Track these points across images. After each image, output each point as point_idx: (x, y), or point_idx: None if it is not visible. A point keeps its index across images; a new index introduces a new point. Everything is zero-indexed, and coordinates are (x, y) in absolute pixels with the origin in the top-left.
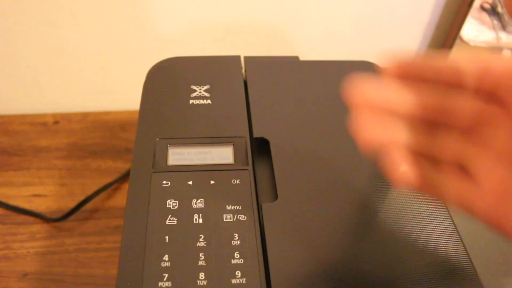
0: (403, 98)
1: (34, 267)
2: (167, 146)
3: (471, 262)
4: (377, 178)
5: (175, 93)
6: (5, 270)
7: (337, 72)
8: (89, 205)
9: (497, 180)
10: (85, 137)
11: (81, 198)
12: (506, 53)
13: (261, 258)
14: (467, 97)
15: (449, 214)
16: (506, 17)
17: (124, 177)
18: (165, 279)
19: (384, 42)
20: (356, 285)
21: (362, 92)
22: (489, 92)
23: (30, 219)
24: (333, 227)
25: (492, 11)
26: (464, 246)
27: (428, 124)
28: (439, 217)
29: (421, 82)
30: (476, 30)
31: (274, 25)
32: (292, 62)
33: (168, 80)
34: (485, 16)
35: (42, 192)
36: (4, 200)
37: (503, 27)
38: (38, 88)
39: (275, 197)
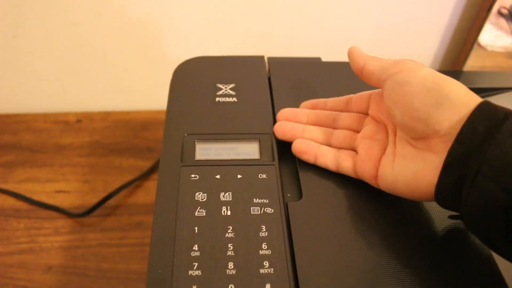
0: (309, 115)
1: (58, 261)
2: (195, 141)
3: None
4: None
5: (201, 91)
6: (30, 262)
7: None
8: (111, 202)
9: (365, 151)
10: (107, 136)
11: (104, 194)
12: None
13: (288, 249)
14: (349, 113)
15: None
16: None
17: (146, 175)
18: (195, 267)
19: (403, 45)
20: (380, 281)
21: (283, 112)
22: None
23: (54, 214)
24: (358, 225)
25: (510, 16)
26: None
27: (330, 127)
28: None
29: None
30: (493, 35)
31: (294, 30)
32: (314, 63)
33: (194, 78)
34: (502, 21)
35: (65, 188)
36: (29, 195)
37: None
38: (61, 87)
39: (300, 194)
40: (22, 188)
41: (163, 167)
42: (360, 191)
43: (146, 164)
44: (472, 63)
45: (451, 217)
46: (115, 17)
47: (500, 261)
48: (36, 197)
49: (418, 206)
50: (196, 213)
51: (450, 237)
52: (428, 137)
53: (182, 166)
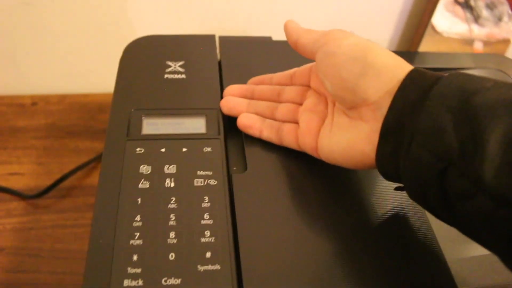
0: (255, 91)
1: (10, 242)
2: (142, 116)
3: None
4: None
5: (150, 68)
6: None
7: None
8: (66, 183)
9: (306, 123)
10: (63, 118)
11: (59, 176)
12: (477, 44)
13: (229, 219)
14: (293, 87)
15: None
16: (478, 10)
17: (101, 156)
18: (136, 237)
19: (359, 30)
20: (318, 253)
21: (229, 88)
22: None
23: (7, 196)
24: (299, 197)
25: (465, 4)
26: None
27: (276, 102)
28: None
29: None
30: (449, 22)
31: (250, 10)
32: (265, 42)
33: (144, 55)
34: (458, 9)
35: (19, 170)
36: None
37: (475, 20)
38: (16, 69)
39: (245, 167)
40: None
41: (109, 141)
42: (303, 164)
43: (102, 146)
44: (428, 48)
45: (396, 188)
46: None
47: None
48: None
49: (361, 178)
50: (139, 185)
51: (393, 207)
52: (358, 106)
53: (128, 140)
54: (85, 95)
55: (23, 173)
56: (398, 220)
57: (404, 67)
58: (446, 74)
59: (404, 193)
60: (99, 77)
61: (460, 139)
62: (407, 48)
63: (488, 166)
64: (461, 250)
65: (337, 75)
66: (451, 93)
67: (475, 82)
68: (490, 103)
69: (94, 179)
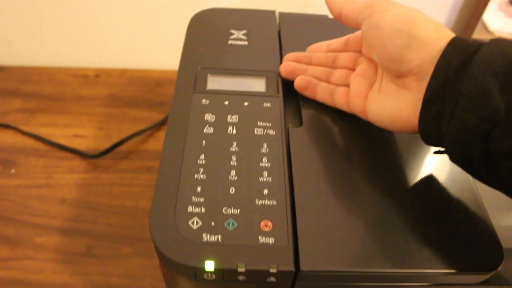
0: (312, 57)
1: (72, 195)
2: (207, 74)
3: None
4: None
5: (215, 34)
6: (46, 195)
7: None
8: (124, 147)
9: (355, 87)
10: (123, 90)
11: (117, 140)
12: None
13: (286, 163)
14: (347, 53)
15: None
16: None
17: (158, 125)
18: (200, 172)
19: None
20: (373, 209)
21: (289, 55)
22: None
23: (70, 155)
24: (348, 153)
25: None
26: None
27: (331, 68)
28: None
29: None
30: (502, 22)
31: None
32: (322, 19)
33: (209, 24)
34: None
35: (82, 133)
36: (48, 137)
37: None
38: (82, 44)
39: (301, 123)
40: (41, 131)
41: (177, 94)
42: (353, 124)
43: (159, 117)
44: None
45: (436, 152)
46: None
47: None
48: (54, 140)
49: (410, 141)
50: (204, 130)
51: (435, 170)
52: (403, 76)
53: (195, 93)
54: (144, 71)
55: (86, 136)
56: (442, 182)
57: (447, 37)
58: (487, 41)
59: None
60: (158, 55)
61: (506, 101)
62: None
63: None
64: (504, 218)
65: (382, 46)
66: (495, 58)
67: None
68: None
69: (149, 145)
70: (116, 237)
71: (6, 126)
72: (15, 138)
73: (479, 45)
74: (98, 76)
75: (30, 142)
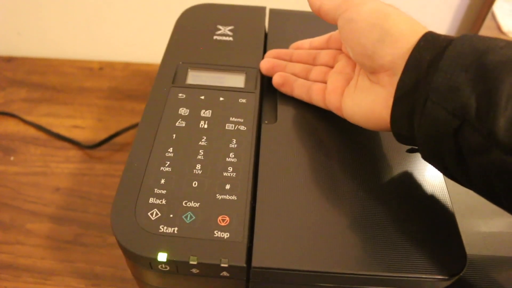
0: (293, 54)
1: (66, 184)
2: (188, 68)
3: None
4: None
5: (202, 29)
6: (41, 183)
7: None
8: (121, 139)
9: (332, 84)
10: (125, 83)
11: (114, 132)
12: None
13: (252, 160)
14: (327, 51)
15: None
16: None
17: None
18: (166, 165)
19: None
20: (335, 209)
21: (271, 51)
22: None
23: (68, 145)
24: (322, 151)
25: None
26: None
27: (312, 65)
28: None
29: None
30: None
31: None
32: (311, 16)
33: (197, 19)
34: None
35: (81, 124)
36: (48, 127)
37: None
38: (87, 37)
39: (276, 121)
40: (43, 121)
41: (155, 87)
42: (329, 122)
43: None
44: None
45: (408, 151)
46: None
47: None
48: (54, 130)
49: (384, 139)
50: (177, 123)
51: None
52: (377, 71)
53: (173, 86)
54: (148, 65)
55: (84, 127)
56: (413, 183)
57: (418, 31)
58: (459, 36)
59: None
60: (162, 49)
61: (475, 96)
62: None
63: (500, 120)
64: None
65: (357, 41)
66: (465, 52)
67: (488, 41)
68: (504, 60)
69: None
70: (104, 227)
71: (10, 115)
72: (17, 126)
73: (451, 39)
74: (102, 68)
75: (31, 131)
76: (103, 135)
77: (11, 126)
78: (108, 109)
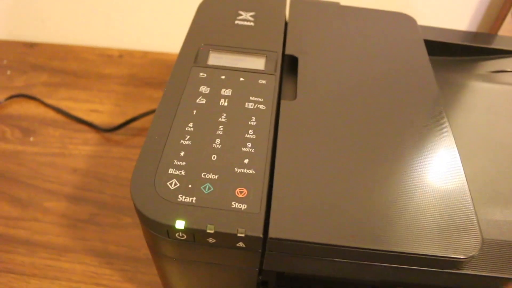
0: None
1: (83, 165)
2: (209, 50)
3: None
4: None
5: (223, 14)
6: (60, 164)
7: (373, 19)
8: (138, 124)
9: None
10: (143, 71)
11: (131, 117)
12: None
13: (272, 136)
14: None
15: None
16: None
17: None
18: (187, 139)
19: (438, 9)
20: (355, 184)
21: None
22: None
23: (86, 128)
24: (342, 127)
25: None
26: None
27: None
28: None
29: None
30: None
31: None
32: (332, 6)
33: (220, 4)
34: None
35: (99, 109)
36: (67, 110)
37: None
38: (108, 25)
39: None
40: (62, 105)
41: (177, 66)
42: (348, 99)
43: None
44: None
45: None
46: None
47: None
48: (73, 113)
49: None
50: (197, 100)
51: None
52: None
53: (194, 66)
54: (167, 54)
55: (102, 111)
56: (432, 166)
57: None
58: None
59: None
60: (181, 38)
61: None
62: (487, 30)
63: None
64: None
65: None
66: None
67: None
68: None
69: None
70: (119, 208)
71: (31, 98)
72: (38, 109)
73: None
74: (121, 56)
75: (50, 114)
76: (120, 120)
77: (31, 109)
78: (126, 95)
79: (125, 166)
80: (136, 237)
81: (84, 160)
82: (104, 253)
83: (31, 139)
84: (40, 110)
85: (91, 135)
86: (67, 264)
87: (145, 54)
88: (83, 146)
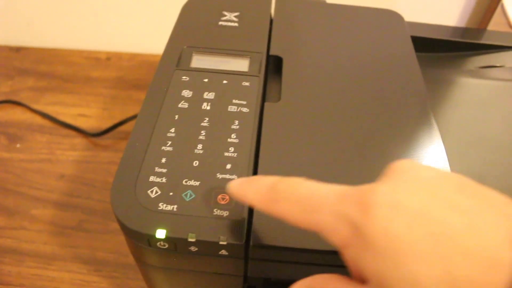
0: None
1: (70, 171)
2: (192, 52)
3: None
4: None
5: (207, 15)
6: (47, 170)
7: (360, 17)
8: (126, 128)
9: None
10: (131, 73)
11: (119, 121)
12: None
13: (254, 140)
14: None
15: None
16: None
17: None
18: (168, 145)
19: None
20: (339, 183)
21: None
22: None
23: (73, 133)
24: (327, 130)
25: None
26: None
27: None
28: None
29: None
30: None
31: None
32: (318, 4)
33: (204, 5)
34: None
35: (87, 113)
36: (54, 115)
37: None
38: (96, 28)
39: (279, 100)
40: (49, 109)
41: (159, 70)
42: (333, 101)
43: None
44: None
45: None
46: None
47: None
48: (60, 118)
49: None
50: (179, 104)
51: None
52: None
53: (177, 69)
54: (155, 55)
55: (90, 116)
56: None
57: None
58: None
59: None
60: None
61: None
62: (477, 25)
63: None
64: None
65: None
66: None
67: None
68: None
69: None
70: (107, 214)
71: (18, 103)
72: (24, 114)
73: None
74: (109, 59)
75: (37, 119)
76: (108, 124)
77: (18, 114)
78: (114, 98)
79: (113, 171)
80: (124, 243)
81: (71, 166)
82: (93, 260)
83: (18, 145)
84: (27, 116)
85: (79, 140)
86: (55, 272)
87: (133, 56)
88: (71, 151)
